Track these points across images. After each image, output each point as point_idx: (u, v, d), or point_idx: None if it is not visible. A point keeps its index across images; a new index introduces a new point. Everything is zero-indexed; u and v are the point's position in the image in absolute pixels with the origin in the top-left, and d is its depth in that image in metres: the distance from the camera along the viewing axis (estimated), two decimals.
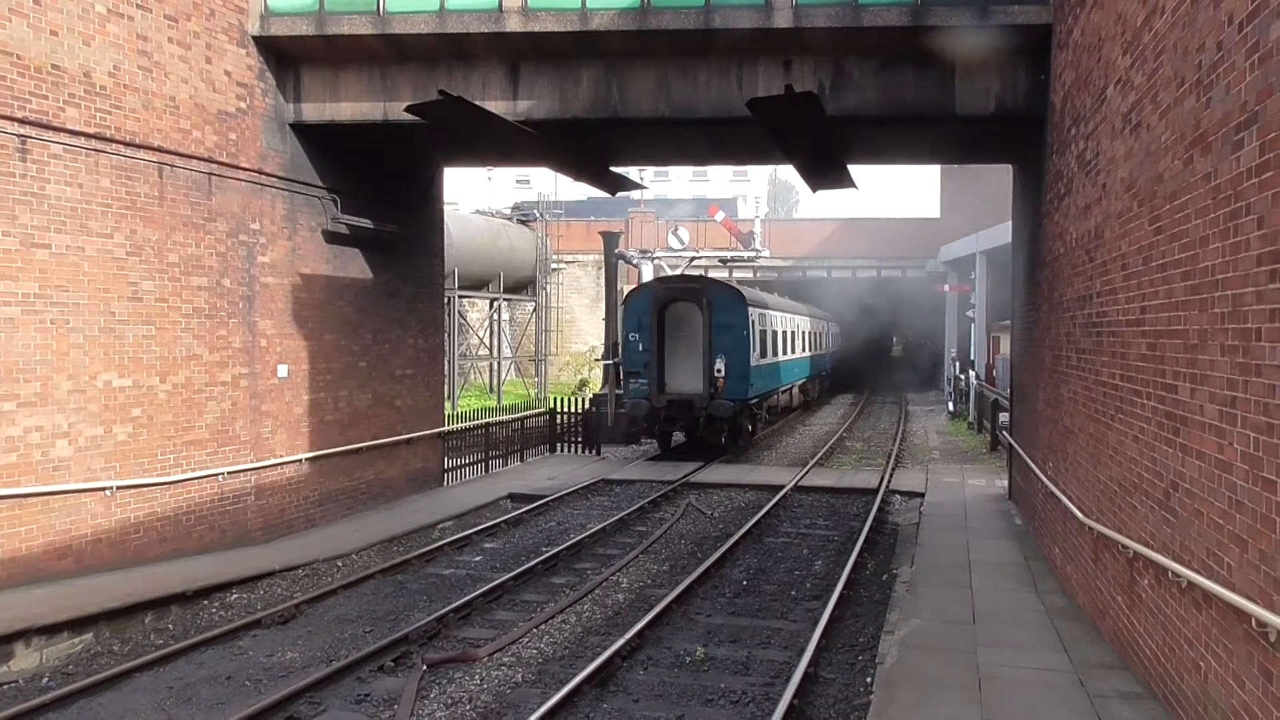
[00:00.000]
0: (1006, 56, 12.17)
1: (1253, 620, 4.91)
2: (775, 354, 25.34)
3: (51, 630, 8.90)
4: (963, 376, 31.17)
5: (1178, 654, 6.26)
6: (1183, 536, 6.15)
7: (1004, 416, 19.24)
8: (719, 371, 21.02)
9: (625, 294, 23.09)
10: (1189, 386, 6.04)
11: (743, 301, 21.93)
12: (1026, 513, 13.63)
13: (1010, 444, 15.82)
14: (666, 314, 21.40)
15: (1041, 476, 11.68)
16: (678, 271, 29.66)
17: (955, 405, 31.98)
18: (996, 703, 6.97)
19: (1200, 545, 5.81)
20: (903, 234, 42.91)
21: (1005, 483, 16.65)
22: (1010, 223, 16.33)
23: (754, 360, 22.17)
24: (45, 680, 8.37)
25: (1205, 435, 5.74)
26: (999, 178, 24.68)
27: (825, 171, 14.75)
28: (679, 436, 23.19)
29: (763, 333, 23.63)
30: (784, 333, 26.94)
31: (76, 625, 9.12)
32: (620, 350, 21.82)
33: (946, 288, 36.21)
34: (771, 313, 25.43)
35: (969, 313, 32.37)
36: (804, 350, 30.84)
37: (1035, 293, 12.86)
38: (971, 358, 31.57)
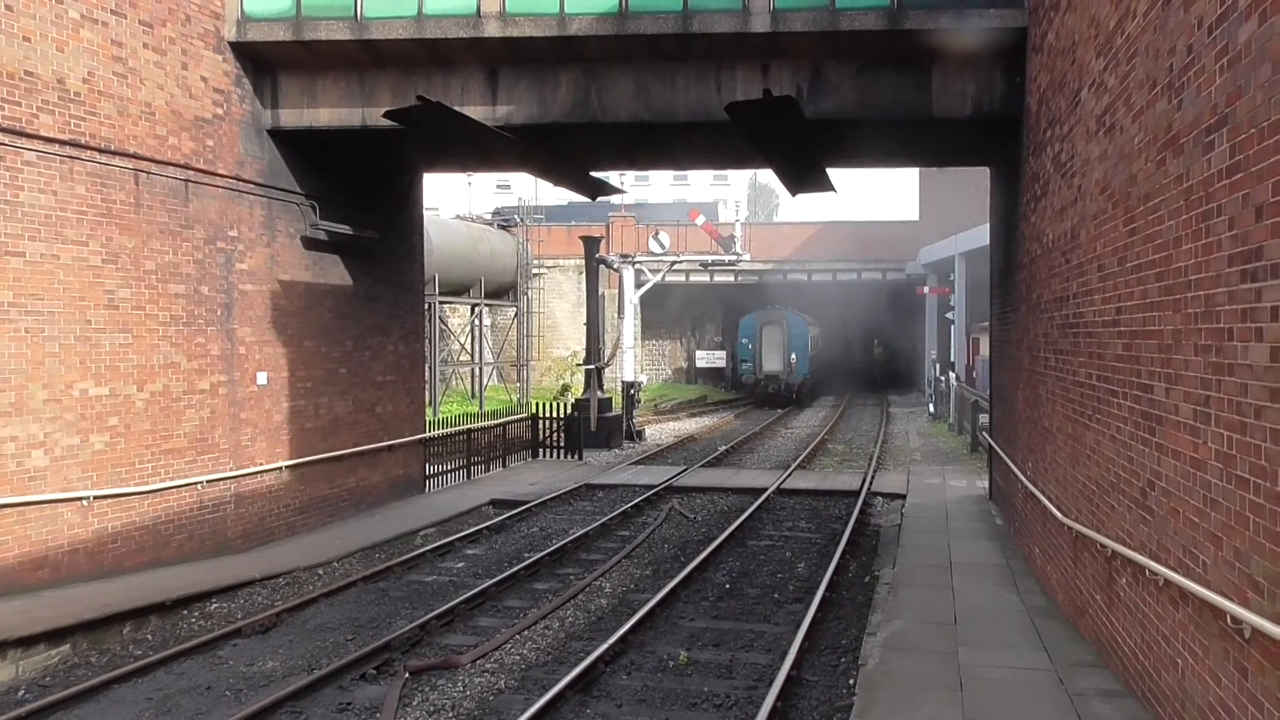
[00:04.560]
0: (983, 59, 12.27)
1: (1228, 617, 4.96)
2: (813, 351, 41.10)
3: (28, 642, 8.78)
4: (943, 378, 31.34)
5: (1155, 651, 6.32)
6: (1159, 535, 6.21)
7: (984, 418, 19.36)
8: (792, 359, 39.20)
9: (741, 317, 41.25)
10: (1164, 386, 6.10)
11: (805, 322, 40.47)
12: (1007, 513, 13.71)
13: (990, 445, 15.91)
14: (764, 328, 39.75)
15: (1021, 477, 11.76)
16: (659, 275, 29.99)
17: (936, 407, 32.13)
18: (978, 702, 7.01)
19: (1176, 543, 5.86)
20: (882, 237, 43.12)
21: (986, 483, 16.75)
22: (988, 225, 16.45)
23: (808, 354, 39.92)
24: (21, 693, 8.27)
25: (1180, 434, 5.79)
26: (977, 180, 24.88)
27: (804, 175, 14.79)
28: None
29: (811, 338, 40.57)
30: (814, 337, 41.82)
31: (53, 637, 9.01)
32: (736, 349, 41.16)
33: (926, 290, 36.39)
34: (813, 326, 42.09)
35: (949, 315, 32.55)
36: (819, 349, 44.15)
37: (1013, 294, 12.95)
38: (952, 359, 31.74)
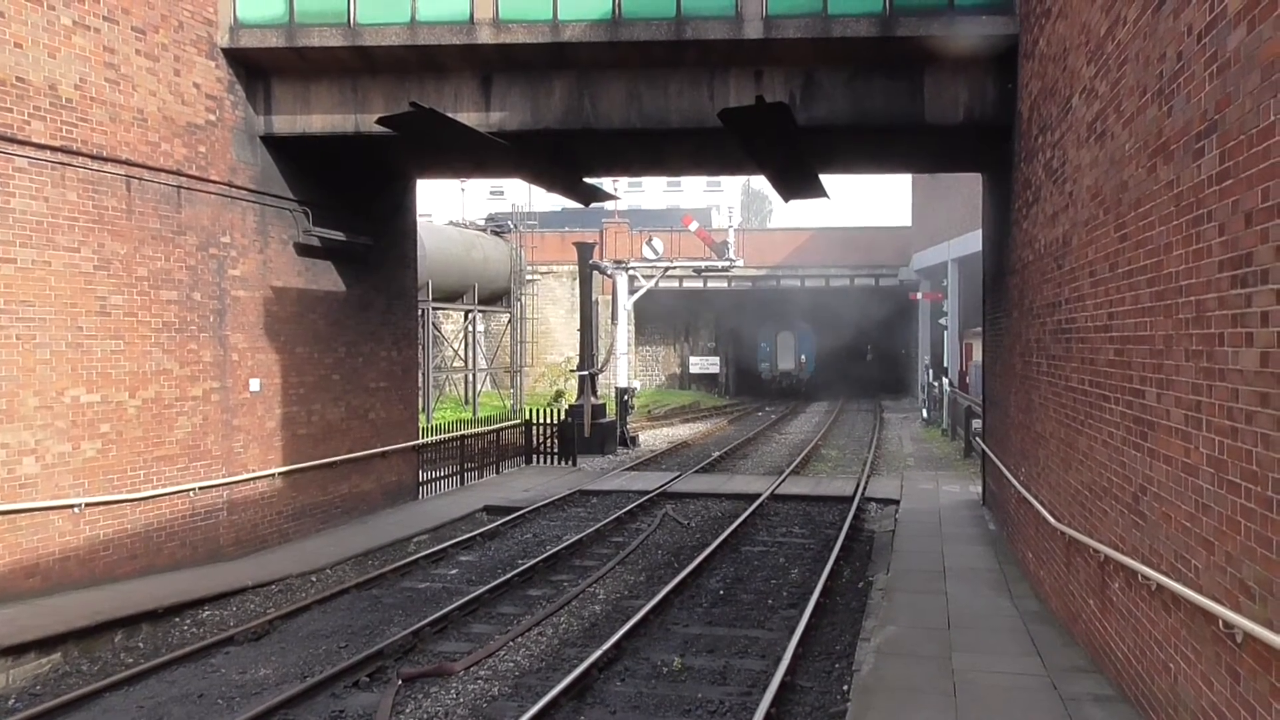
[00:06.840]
0: (974, 66, 12.32)
1: (1220, 622, 4.97)
2: (817, 353, 49.06)
3: (18, 651, 8.75)
4: (936, 384, 31.38)
5: (1148, 656, 6.33)
6: (1152, 540, 6.22)
7: (977, 423, 19.38)
8: (802, 359, 48.25)
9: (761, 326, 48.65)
10: (1156, 391, 6.12)
11: (812, 329, 48.34)
12: (1000, 518, 13.73)
13: (983, 450, 15.94)
14: (779, 335, 48.14)
15: (1014, 482, 11.78)
16: (652, 281, 30.03)
17: (929, 412, 32.18)
18: (972, 707, 7.01)
19: (1169, 548, 5.88)
20: (875, 243, 43.20)
21: (979, 488, 16.77)
22: (981, 230, 16.49)
23: (814, 355, 48.62)
24: (11, 702, 8.23)
25: (1172, 439, 5.81)
26: (969, 186, 24.93)
27: (797, 181, 14.82)
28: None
29: (816, 342, 48.79)
30: (816, 342, 49.31)
31: (44, 645, 8.97)
32: (755, 351, 49.01)
33: (919, 295, 36.49)
34: (816, 333, 49.17)
35: (942, 320, 32.62)
36: (819, 353, 50.50)
37: (1006, 300, 12.99)
38: (945, 365, 31.80)
